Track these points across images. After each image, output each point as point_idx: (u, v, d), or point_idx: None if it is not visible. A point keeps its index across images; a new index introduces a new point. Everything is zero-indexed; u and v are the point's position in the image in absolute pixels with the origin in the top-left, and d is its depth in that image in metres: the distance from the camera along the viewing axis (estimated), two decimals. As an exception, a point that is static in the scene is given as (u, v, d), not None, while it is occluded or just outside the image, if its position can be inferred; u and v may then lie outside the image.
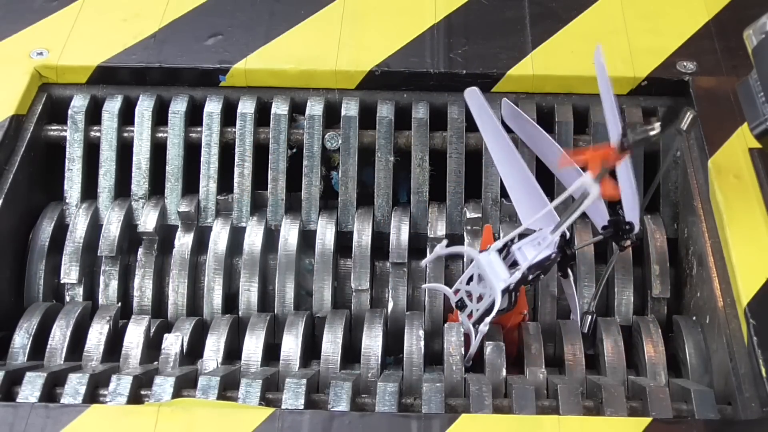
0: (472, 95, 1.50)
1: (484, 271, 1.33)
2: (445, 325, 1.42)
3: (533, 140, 1.55)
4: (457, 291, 1.39)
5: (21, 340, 1.40)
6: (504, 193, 1.55)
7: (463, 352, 1.37)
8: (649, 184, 1.55)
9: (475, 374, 1.35)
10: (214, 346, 1.41)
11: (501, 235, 1.53)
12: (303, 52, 1.63)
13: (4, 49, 1.64)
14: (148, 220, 1.54)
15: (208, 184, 1.58)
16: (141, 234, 1.54)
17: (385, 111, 1.59)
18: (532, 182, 1.45)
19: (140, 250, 1.54)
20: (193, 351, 1.44)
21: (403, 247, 1.52)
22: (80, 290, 1.51)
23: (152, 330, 1.44)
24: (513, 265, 1.32)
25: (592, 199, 1.21)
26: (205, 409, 1.23)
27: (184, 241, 1.54)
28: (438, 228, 1.54)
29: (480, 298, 1.35)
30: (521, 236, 1.34)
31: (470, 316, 1.38)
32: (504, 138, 1.47)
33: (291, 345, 1.40)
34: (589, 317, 1.42)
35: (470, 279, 1.36)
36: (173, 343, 1.40)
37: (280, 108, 1.59)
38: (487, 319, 1.31)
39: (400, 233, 1.52)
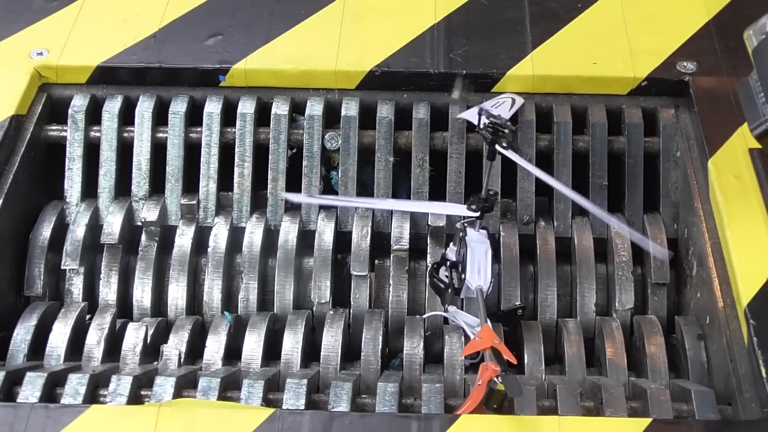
0: None
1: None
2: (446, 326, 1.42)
3: None
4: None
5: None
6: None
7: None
8: (649, 184, 1.56)
9: (476, 374, 1.35)
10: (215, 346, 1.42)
11: (500, 235, 1.53)
12: (303, 52, 1.63)
13: (4, 49, 1.64)
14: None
15: (208, 184, 1.58)
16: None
17: (385, 111, 1.59)
18: None
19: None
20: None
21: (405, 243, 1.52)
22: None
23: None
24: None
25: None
26: (205, 410, 1.23)
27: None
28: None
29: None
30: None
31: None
32: None
33: (291, 344, 1.40)
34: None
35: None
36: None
37: (280, 108, 1.59)
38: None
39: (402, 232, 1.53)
